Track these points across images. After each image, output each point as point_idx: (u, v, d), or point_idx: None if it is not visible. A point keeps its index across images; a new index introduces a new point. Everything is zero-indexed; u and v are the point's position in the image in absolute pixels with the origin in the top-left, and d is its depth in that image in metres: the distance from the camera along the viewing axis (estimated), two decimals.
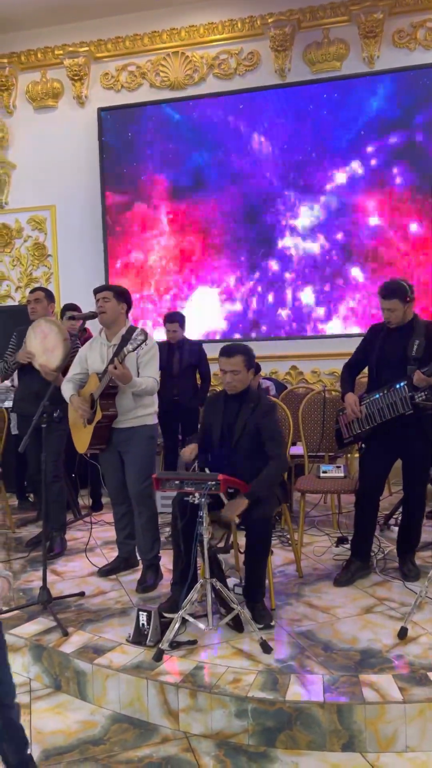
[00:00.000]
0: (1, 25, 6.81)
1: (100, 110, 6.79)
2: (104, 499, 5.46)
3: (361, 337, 3.84)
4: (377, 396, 3.52)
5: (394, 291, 3.48)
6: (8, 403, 5.07)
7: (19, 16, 6.68)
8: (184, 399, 5.51)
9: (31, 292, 4.50)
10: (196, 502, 2.91)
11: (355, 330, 6.21)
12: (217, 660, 2.77)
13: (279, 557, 4.00)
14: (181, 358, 5.58)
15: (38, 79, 7.04)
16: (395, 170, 6.15)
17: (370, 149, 6.20)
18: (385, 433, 3.56)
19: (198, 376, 5.73)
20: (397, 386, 3.43)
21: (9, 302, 7.18)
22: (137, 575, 3.74)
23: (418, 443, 3.51)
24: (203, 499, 2.89)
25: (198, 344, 5.76)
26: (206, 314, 6.63)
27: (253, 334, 6.52)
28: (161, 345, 5.63)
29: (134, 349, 3.37)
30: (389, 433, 3.54)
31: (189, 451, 3.43)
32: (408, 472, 3.61)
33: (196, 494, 2.91)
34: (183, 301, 6.69)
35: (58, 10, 6.61)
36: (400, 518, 3.82)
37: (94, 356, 3.77)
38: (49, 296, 4.47)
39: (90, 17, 6.74)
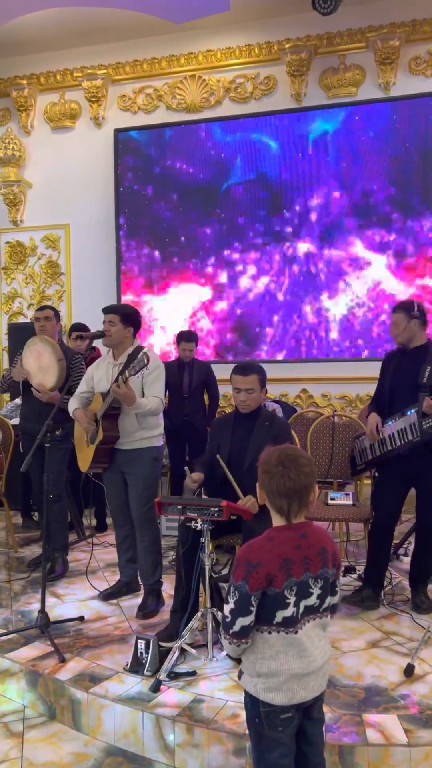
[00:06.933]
0: (21, 47, 6.91)
1: (117, 131, 6.85)
2: (109, 520, 5.40)
3: (371, 361, 3.79)
4: (389, 423, 3.49)
5: (400, 304, 3.62)
6: (16, 421, 5.05)
7: (39, 39, 6.78)
8: (194, 419, 5.48)
9: (39, 309, 4.39)
10: (199, 528, 2.85)
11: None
12: (217, 693, 2.68)
13: None
14: (191, 378, 5.56)
15: (56, 100, 7.12)
16: None
17: None
18: (398, 463, 3.50)
19: (206, 396, 5.69)
20: (408, 413, 3.39)
21: (21, 319, 7.19)
22: (139, 600, 3.66)
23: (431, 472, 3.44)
24: (206, 525, 2.83)
25: (206, 364, 5.76)
26: (216, 335, 6.60)
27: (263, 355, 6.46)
28: (171, 364, 5.61)
29: (135, 374, 3.33)
30: (402, 463, 3.49)
31: (194, 479, 3.31)
32: (422, 502, 3.54)
33: (199, 520, 2.85)
34: (196, 320, 6.64)
35: (77, 33, 6.70)
36: (411, 548, 3.72)
37: (99, 375, 3.74)
38: (57, 316, 4.44)
39: (109, 40, 6.82)
